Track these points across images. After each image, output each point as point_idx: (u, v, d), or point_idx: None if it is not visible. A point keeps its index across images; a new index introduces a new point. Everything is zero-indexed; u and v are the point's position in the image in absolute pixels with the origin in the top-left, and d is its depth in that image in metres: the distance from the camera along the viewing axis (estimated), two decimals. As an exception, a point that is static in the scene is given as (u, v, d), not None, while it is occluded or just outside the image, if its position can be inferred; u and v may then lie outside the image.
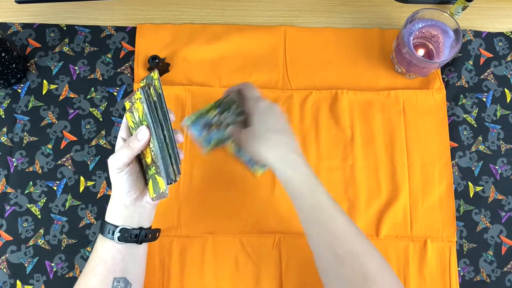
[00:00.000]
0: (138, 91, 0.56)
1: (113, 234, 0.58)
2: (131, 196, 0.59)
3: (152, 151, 0.55)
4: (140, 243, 0.60)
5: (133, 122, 0.58)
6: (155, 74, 0.56)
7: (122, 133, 0.59)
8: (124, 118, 0.59)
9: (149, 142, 0.56)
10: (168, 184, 0.55)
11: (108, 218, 0.60)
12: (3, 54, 0.70)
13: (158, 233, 0.64)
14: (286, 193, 0.72)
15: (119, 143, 0.59)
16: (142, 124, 0.55)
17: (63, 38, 0.80)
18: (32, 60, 0.79)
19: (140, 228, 0.60)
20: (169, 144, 0.56)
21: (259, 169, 0.67)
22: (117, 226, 0.59)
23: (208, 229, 0.72)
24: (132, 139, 0.56)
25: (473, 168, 0.76)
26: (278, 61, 0.79)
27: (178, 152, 0.57)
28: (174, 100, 0.76)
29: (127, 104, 0.59)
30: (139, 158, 0.60)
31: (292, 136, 0.62)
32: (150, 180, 0.58)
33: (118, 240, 0.58)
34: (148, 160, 0.57)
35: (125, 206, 0.59)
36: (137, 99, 0.56)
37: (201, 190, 0.73)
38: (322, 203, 0.58)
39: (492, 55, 0.81)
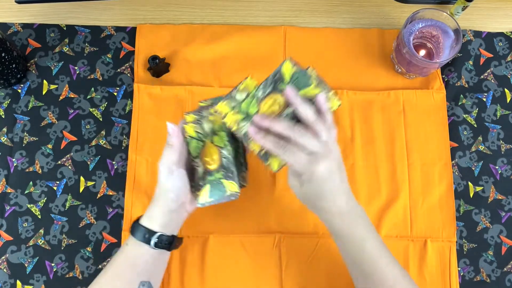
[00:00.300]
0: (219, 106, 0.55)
1: (149, 239, 0.59)
2: (177, 202, 0.60)
3: (225, 158, 0.59)
4: (170, 250, 0.62)
5: (197, 132, 0.60)
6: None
7: (171, 139, 0.60)
8: (175, 127, 0.60)
9: (223, 149, 0.59)
10: (240, 187, 0.60)
11: (145, 222, 0.60)
12: (3, 54, 0.70)
13: (182, 242, 0.66)
14: (286, 193, 0.73)
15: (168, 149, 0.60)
16: (216, 134, 0.58)
17: (63, 38, 0.80)
18: (32, 60, 0.79)
19: (173, 236, 0.62)
20: (242, 154, 0.62)
21: (275, 164, 0.59)
22: (155, 232, 0.59)
23: (208, 229, 0.72)
24: (168, 138, 0.60)
25: (473, 168, 0.76)
26: (278, 61, 0.79)
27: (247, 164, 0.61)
28: (174, 100, 0.76)
29: (191, 117, 0.60)
30: (190, 168, 0.61)
31: (347, 186, 0.58)
32: (207, 185, 0.59)
33: (155, 246, 0.59)
34: (212, 166, 0.60)
35: (168, 212, 0.60)
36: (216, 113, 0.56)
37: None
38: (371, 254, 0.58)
39: (492, 55, 0.81)
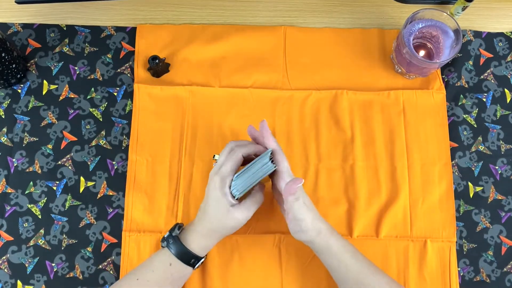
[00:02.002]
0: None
1: (195, 264, 0.63)
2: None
3: None
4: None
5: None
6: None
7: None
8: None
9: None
10: None
11: (197, 249, 0.63)
12: (3, 54, 0.70)
13: None
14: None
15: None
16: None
17: (63, 38, 0.80)
18: (32, 60, 0.79)
19: (205, 256, 0.66)
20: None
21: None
22: (201, 258, 0.64)
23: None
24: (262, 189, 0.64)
25: (473, 168, 0.76)
26: (278, 61, 0.79)
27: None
28: (174, 100, 0.76)
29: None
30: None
31: (315, 210, 0.64)
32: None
33: (194, 268, 0.64)
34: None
35: (218, 239, 0.64)
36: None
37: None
38: (364, 271, 0.62)
39: (492, 55, 0.81)
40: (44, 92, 0.77)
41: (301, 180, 0.59)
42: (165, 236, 0.64)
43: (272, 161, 0.61)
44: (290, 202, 0.60)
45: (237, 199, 0.61)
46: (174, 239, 0.63)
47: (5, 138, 0.75)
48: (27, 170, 0.74)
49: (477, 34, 0.82)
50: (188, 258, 0.62)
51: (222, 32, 0.80)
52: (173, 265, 0.62)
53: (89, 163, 0.75)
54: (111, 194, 0.73)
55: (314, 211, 0.63)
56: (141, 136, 0.75)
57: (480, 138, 0.77)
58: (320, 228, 0.62)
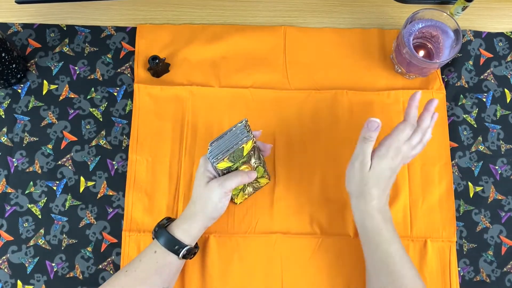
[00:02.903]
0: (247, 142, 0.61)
1: (178, 250, 0.62)
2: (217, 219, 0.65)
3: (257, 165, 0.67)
4: (191, 258, 0.66)
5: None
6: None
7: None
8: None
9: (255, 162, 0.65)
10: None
11: (179, 235, 0.63)
12: (3, 54, 0.70)
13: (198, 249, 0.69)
14: (286, 193, 0.73)
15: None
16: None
17: (63, 38, 0.80)
18: (32, 60, 0.79)
19: (196, 246, 0.66)
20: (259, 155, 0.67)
21: (239, 197, 0.71)
22: (186, 245, 0.63)
23: (208, 229, 0.71)
24: (249, 173, 0.64)
25: (473, 168, 0.76)
26: (278, 61, 0.79)
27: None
28: (174, 100, 0.76)
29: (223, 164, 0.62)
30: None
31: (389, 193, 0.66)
32: (246, 188, 0.70)
33: (183, 257, 0.63)
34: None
35: (204, 228, 0.65)
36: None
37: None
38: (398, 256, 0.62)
39: (492, 55, 0.81)
40: (44, 92, 0.77)
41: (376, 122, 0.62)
42: (155, 227, 0.65)
43: (248, 132, 0.61)
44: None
45: (215, 167, 0.62)
46: (160, 227, 0.64)
47: (5, 138, 0.75)
48: (27, 170, 0.74)
49: (477, 34, 0.82)
50: (171, 244, 0.62)
51: (222, 32, 0.80)
52: (157, 253, 0.62)
53: (89, 163, 0.75)
54: (111, 194, 0.74)
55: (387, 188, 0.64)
56: (141, 136, 0.75)
57: (480, 138, 0.77)
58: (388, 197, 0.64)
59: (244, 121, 0.61)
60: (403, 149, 0.64)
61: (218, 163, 0.61)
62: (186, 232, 0.63)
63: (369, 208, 0.62)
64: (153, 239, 0.64)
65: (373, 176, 0.62)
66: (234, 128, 0.61)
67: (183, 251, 0.62)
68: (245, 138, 0.60)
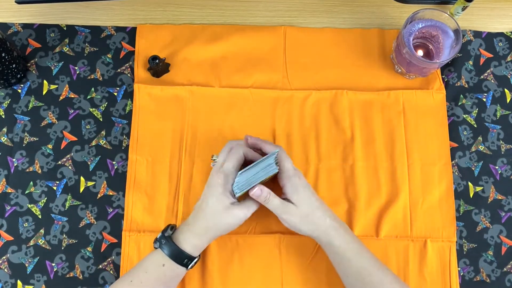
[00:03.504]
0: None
1: (188, 264, 0.63)
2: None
3: None
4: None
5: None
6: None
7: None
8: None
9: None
10: None
11: (189, 249, 0.62)
12: (3, 54, 0.70)
13: None
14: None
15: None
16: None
17: (63, 38, 0.80)
18: (32, 60, 0.79)
19: (198, 257, 0.65)
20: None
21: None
22: (195, 258, 0.63)
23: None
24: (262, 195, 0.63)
25: (473, 168, 0.76)
26: (278, 61, 0.79)
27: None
28: (174, 100, 0.76)
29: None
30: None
31: (326, 206, 0.66)
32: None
33: (189, 268, 0.63)
34: None
35: (212, 239, 0.64)
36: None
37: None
38: (367, 267, 0.62)
39: (492, 55, 0.81)
40: (44, 92, 0.77)
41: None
42: (158, 237, 0.64)
43: (276, 163, 0.61)
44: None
45: (236, 197, 0.61)
46: (167, 239, 0.62)
47: (5, 138, 0.75)
48: (27, 170, 0.74)
49: (477, 34, 0.82)
50: (181, 258, 0.62)
51: (222, 32, 0.80)
52: (166, 266, 0.61)
53: (89, 163, 0.75)
54: (111, 194, 0.74)
55: (322, 204, 0.64)
56: (141, 136, 0.75)
57: (480, 138, 0.77)
58: (326, 222, 0.63)
59: (276, 154, 0.61)
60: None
61: (240, 194, 0.61)
62: (198, 247, 0.63)
63: (329, 229, 0.63)
64: (156, 248, 0.63)
65: (303, 206, 0.63)
66: (266, 160, 0.60)
67: (192, 264, 0.63)
68: (271, 170, 0.60)
